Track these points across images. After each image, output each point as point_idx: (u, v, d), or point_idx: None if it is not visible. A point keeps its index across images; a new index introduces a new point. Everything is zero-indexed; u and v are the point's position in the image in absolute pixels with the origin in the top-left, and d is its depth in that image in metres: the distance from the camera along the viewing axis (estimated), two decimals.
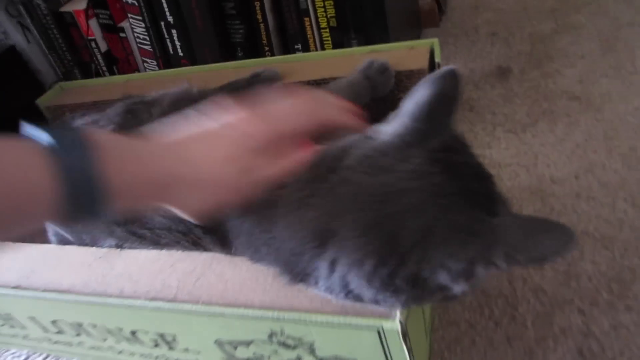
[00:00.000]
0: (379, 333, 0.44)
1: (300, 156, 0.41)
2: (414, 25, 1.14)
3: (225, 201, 0.39)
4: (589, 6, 1.09)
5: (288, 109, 0.42)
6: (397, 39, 0.90)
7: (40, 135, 0.33)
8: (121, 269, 0.54)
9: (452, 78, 0.38)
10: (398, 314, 0.42)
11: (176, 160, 0.37)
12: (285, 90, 0.43)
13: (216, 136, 0.39)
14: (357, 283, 0.38)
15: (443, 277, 0.36)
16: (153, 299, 0.50)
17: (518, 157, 0.78)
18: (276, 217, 0.42)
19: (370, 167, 0.38)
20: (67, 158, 0.32)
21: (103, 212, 0.33)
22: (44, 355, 0.72)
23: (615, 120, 0.80)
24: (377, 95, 0.72)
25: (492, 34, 1.10)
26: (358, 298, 0.39)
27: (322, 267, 0.39)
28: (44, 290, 0.54)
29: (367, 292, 0.38)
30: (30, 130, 0.33)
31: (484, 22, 1.15)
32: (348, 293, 0.39)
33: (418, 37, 1.15)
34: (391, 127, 0.39)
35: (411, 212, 0.36)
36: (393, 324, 0.42)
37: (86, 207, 0.33)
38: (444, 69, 0.39)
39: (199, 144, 0.38)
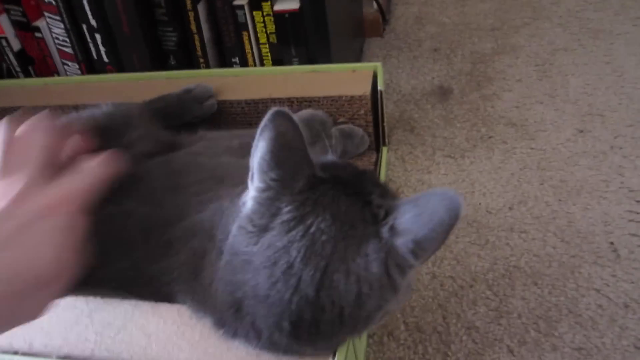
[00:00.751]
0: None
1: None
2: (357, 35, 1.12)
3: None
4: (527, 27, 1.12)
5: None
6: (340, 50, 0.88)
7: None
8: None
9: (281, 118, 0.38)
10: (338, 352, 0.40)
11: None
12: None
13: None
14: (287, 342, 0.37)
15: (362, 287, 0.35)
16: (66, 357, 0.45)
17: (456, 184, 0.79)
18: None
19: (248, 235, 0.37)
20: None
21: None
22: None
23: (548, 149, 0.82)
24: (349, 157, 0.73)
25: (435, 49, 1.10)
26: (298, 352, 0.39)
27: (249, 332, 0.38)
28: None
29: (302, 348, 0.38)
30: None
31: (427, 36, 1.15)
32: (286, 351, 0.38)
33: (361, 47, 1.14)
34: (252, 189, 0.39)
35: (304, 261, 0.35)
36: None
37: None
38: (270, 112, 0.38)
39: None
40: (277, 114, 0.38)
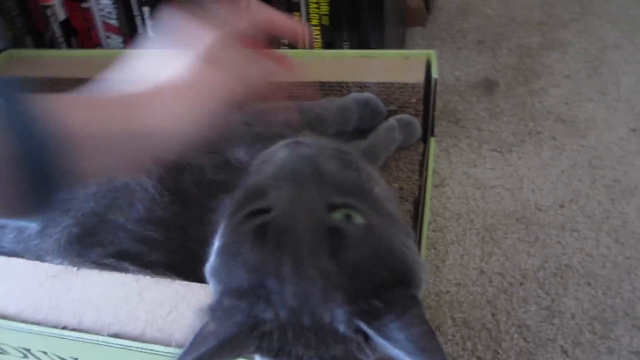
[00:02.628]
0: None
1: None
2: (401, 24, 1.10)
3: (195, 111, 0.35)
4: (575, 23, 1.08)
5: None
6: (387, 37, 0.86)
7: None
8: (79, 292, 0.47)
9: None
10: None
11: (139, 97, 0.34)
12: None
13: (178, 95, 0.35)
14: None
15: None
16: (116, 335, 0.44)
17: (503, 180, 0.77)
18: None
19: None
20: (15, 116, 0.28)
21: (63, 182, 0.29)
22: None
23: (600, 147, 0.79)
24: (361, 128, 0.69)
25: (479, 41, 1.07)
26: None
27: None
28: None
29: None
30: None
31: (471, 28, 1.12)
32: None
33: (403, 36, 1.11)
34: None
35: None
36: None
37: (43, 174, 0.28)
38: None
39: (159, 101, 0.34)
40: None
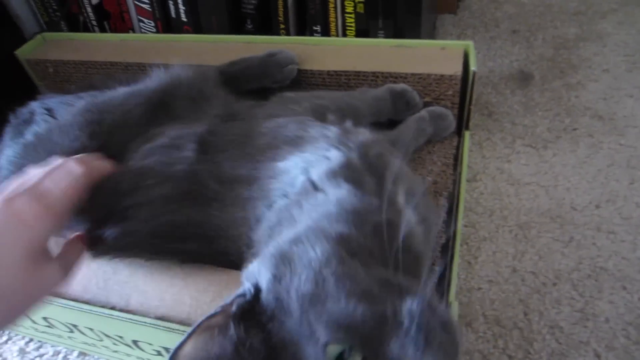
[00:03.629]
0: None
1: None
2: (433, 11, 1.07)
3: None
4: (615, 14, 1.05)
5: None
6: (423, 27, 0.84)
7: None
8: (126, 275, 0.48)
9: None
10: None
11: None
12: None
13: None
14: None
15: None
16: (163, 316, 0.45)
17: (538, 177, 0.75)
18: None
19: None
20: None
21: None
22: (26, 339, 0.67)
23: (639, 147, 0.77)
24: (395, 119, 0.67)
25: (513, 31, 1.04)
26: None
27: None
28: None
29: None
30: None
31: (504, 16, 1.09)
32: None
33: (434, 23, 1.09)
34: None
35: None
36: None
37: None
38: None
39: None
40: None
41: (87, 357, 0.64)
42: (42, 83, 0.85)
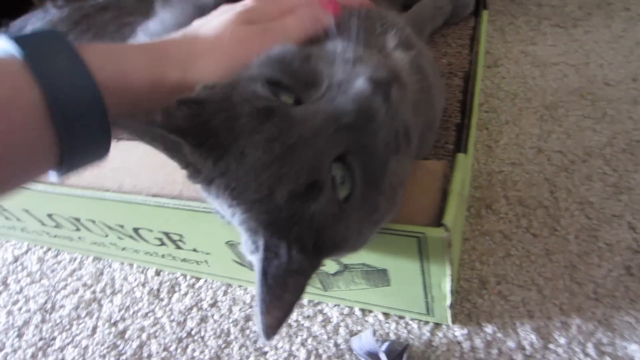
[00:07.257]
0: (418, 241, 0.38)
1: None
2: None
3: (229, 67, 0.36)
4: None
5: None
6: None
7: (8, 48, 0.28)
8: (119, 161, 0.47)
9: None
10: (446, 222, 0.36)
11: (168, 46, 0.35)
12: None
13: (206, 23, 0.38)
14: None
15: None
16: (155, 195, 0.44)
17: (566, 56, 0.69)
18: None
19: None
20: (50, 68, 0.27)
21: (103, 133, 0.30)
22: (44, 249, 0.68)
23: None
24: (451, 22, 0.63)
25: None
26: None
27: None
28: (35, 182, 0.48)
29: None
30: None
31: None
32: None
33: None
34: None
35: None
36: (439, 232, 0.36)
37: (83, 128, 0.29)
38: None
39: (188, 35, 0.37)
40: None
41: (101, 261, 0.64)
42: None
